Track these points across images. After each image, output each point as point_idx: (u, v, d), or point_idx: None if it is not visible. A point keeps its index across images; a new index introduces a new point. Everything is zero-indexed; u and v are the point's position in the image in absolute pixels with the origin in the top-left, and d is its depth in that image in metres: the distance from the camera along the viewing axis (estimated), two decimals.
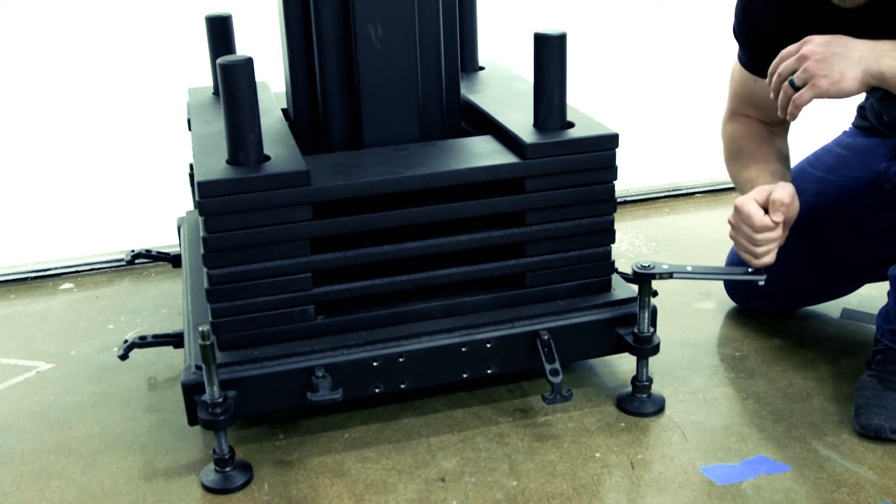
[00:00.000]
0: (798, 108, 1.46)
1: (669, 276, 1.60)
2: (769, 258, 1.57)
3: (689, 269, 1.61)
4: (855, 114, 1.94)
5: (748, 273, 1.63)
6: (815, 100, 1.44)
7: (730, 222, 1.60)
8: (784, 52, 1.48)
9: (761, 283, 1.63)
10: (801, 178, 1.88)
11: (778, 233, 1.56)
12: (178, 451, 1.63)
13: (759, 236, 1.55)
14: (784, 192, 1.55)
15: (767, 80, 1.52)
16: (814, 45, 1.43)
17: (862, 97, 1.91)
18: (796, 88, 1.44)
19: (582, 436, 1.62)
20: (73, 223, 2.45)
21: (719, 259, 2.10)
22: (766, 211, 1.55)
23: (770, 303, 1.99)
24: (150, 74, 2.47)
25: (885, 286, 1.67)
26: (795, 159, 1.96)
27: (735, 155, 1.77)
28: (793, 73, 1.45)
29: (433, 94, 1.72)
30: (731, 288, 2.03)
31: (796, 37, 1.47)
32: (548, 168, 1.58)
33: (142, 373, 1.89)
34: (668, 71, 2.83)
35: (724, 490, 1.48)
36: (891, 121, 1.76)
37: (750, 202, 1.55)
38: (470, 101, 1.86)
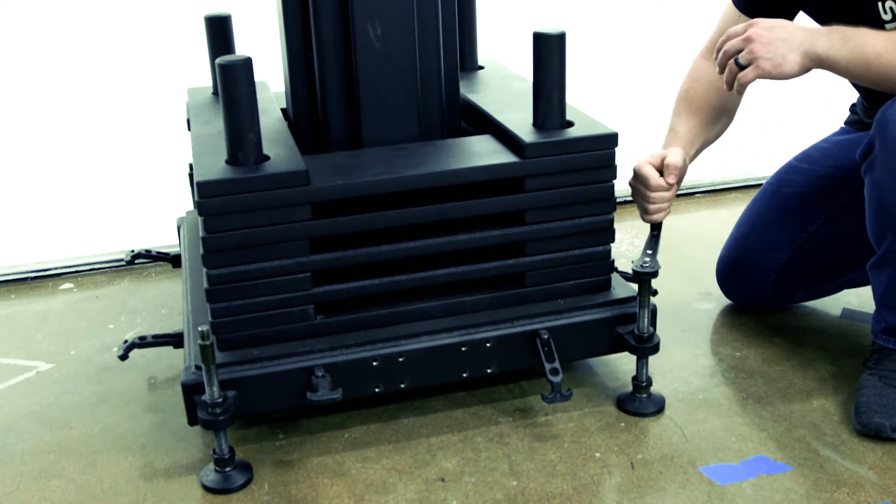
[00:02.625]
0: (743, 86, 1.56)
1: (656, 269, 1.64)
2: (661, 215, 1.75)
3: (649, 252, 1.70)
4: (848, 112, 1.97)
5: (652, 235, 1.76)
6: (758, 79, 1.54)
7: (629, 184, 1.76)
8: (730, 31, 1.58)
9: (655, 234, 1.76)
10: (787, 171, 1.95)
11: (671, 193, 1.73)
12: (178, 451, 1.63)
13: (654, 194, 1.72)
14: (676, 156, 1.72)
15: (714, 54, 1.62)
16: (760, 28, 1.53)
17: (855, 96, 1.93)
18: (741, 67, 1.54)
19: (582, 436, 1.62)
20: (73, 223, 2.45)
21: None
22: (662, 173, 1.71)
23: (760, 297, 2.00)
24: (150, 74, 2.47)
25: None
26: (786, 159, 1.98)
27: (681, 96, 1.87)
28: (738, 52, 1.55)
29: (432, 94, 1.71)
30: (723, 282, 2.04)
31: None
32: (547, 167, 1.58)
33: (142, 373, 1.89)
34: (669, 71, 2.83)
35: (724, 490, 1.48)
36: (868, 107, 1.82)
37: (646, 166, 1.72)
38: (469, 101, 1.86)
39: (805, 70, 1.53)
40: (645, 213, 1.75)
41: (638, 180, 1.73)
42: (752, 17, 1.64)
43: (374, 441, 1.63)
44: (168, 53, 2.46)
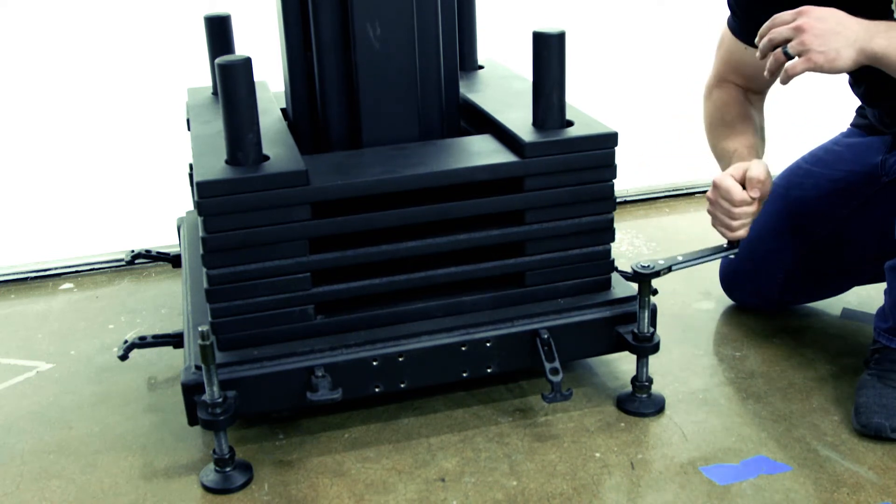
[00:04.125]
0: (790, 77, 1.48)
1: (668, 269, 1.62)
2: (743, 232, 1.65)
3: (681, 258, 1.66)
4: (854, 114, 1.95)
5: (724, 249, 1.70)
6: (807, 72, 1.47)
7: (708, 198, 1.68)
8: (778, 17, 1.49)
9: (732, 256, 1.72)
10: (795, 174, 1.91)
11: (754, 207, 1.63)
12: (178, 451, 1.63)
13: (737, 210, 1.62)
14: (760, 170, 1.61)
15: (757, 39, 1.53)
16: (812, 18, 1.45)
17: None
18: (789, 57, 1.47)
19: (582, 436, 1.62)
20: (73, 223, 2.46)
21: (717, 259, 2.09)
22: (744, 187, 1.62)
23: (765, 299, 1.99)
24: (150, 74, 2.47)
25: (884, 286, 1.66)
26: (792, 159, 1.97)
27: (717, 123, 1.82)
28: (786, 41, 1.47)
29: (432, 94, 1.71)
30: (727, 284, 2.03)
31: (791, 6, 1.49)
32: (547, 167, 1.58)
33: (142, 373, 1.89)
34: (669, 70, 2.83)
35: (724, 490, 1.48)
36: (882, 117, 1.79)
37: (728, 178, 1.62)
38: (469, 100, 1.86)
39: (857, 66, 1.47)
40: (728, 230, 1.65)
41: (719, 194, 1.63)
42: (753, 45, 1.56)
43: (374, 441, 1.63)
44: (168, 53, 2.46)
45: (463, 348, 1.60)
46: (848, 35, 1.44)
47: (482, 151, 1.62)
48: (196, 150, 1.62)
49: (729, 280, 2.02)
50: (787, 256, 1.88)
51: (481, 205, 1.59)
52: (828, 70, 1.46)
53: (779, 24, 1.49)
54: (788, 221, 1.88)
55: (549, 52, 1.58)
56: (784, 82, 1.51)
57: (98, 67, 2.45)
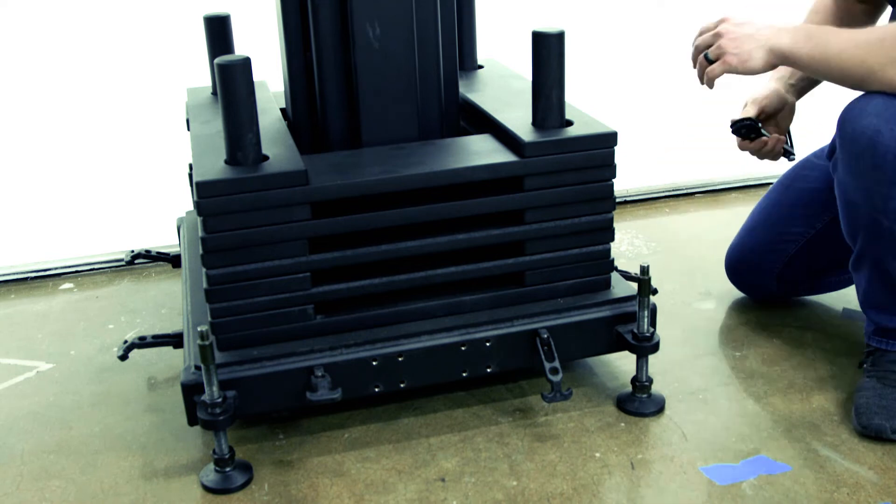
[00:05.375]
0: (711, 81, 1.62)
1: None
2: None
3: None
4: None
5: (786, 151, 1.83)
6: (726, 74, 1.59)
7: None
8: (703, 26, 1.64)
9: (792, 159, 1.85)
10: (804, 167, 1.95)
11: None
12: (178, 451, 1.63)
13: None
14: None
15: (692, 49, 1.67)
16: (729, 24, 1.58)
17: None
18: (710, 62, 1.60)
19: (582, 436, 1.62)
20: (73, 223, 2.45)
21: (718, 259, 2.10)
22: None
23: (764, 288, 2.02)
24: (149, 74, 2.47)
25: None
26: (804, 155, 1.98)
27: (810, 15, 1.90)
28: (708, 47, 1.60)
29: (432, 93, 1.71)
30: (731, 271, 2.05)
31: None
32: (546, 166, 1.58)
33: (142, 373, 1.89)
34: (669, 71, 2.83)
35: (724, 490, 1.48)
36: None
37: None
38: (469, 100, 1.86)
39: (770, 66, 1.57)
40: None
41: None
42: None
43: (374, 441, 1.63)
44: (168, 53, 2.46)
45: (462, 348, 1.60)
46: (759, 37, 1.55)
47: (482, 151, 1.62)
48: (196, 150, 1.62)
49: (733, 266, 2.04)
50: (787, 246, 1.93)
51: (481, 204, 1.59)
52: (742, 71, 1.57)
53: (704, 32, 1.62)
54: (791, 212, 1.93)
55: (548, 51, 1.58)
56: (709, 86, 1.63)
57: (97, 67, 2.44)
